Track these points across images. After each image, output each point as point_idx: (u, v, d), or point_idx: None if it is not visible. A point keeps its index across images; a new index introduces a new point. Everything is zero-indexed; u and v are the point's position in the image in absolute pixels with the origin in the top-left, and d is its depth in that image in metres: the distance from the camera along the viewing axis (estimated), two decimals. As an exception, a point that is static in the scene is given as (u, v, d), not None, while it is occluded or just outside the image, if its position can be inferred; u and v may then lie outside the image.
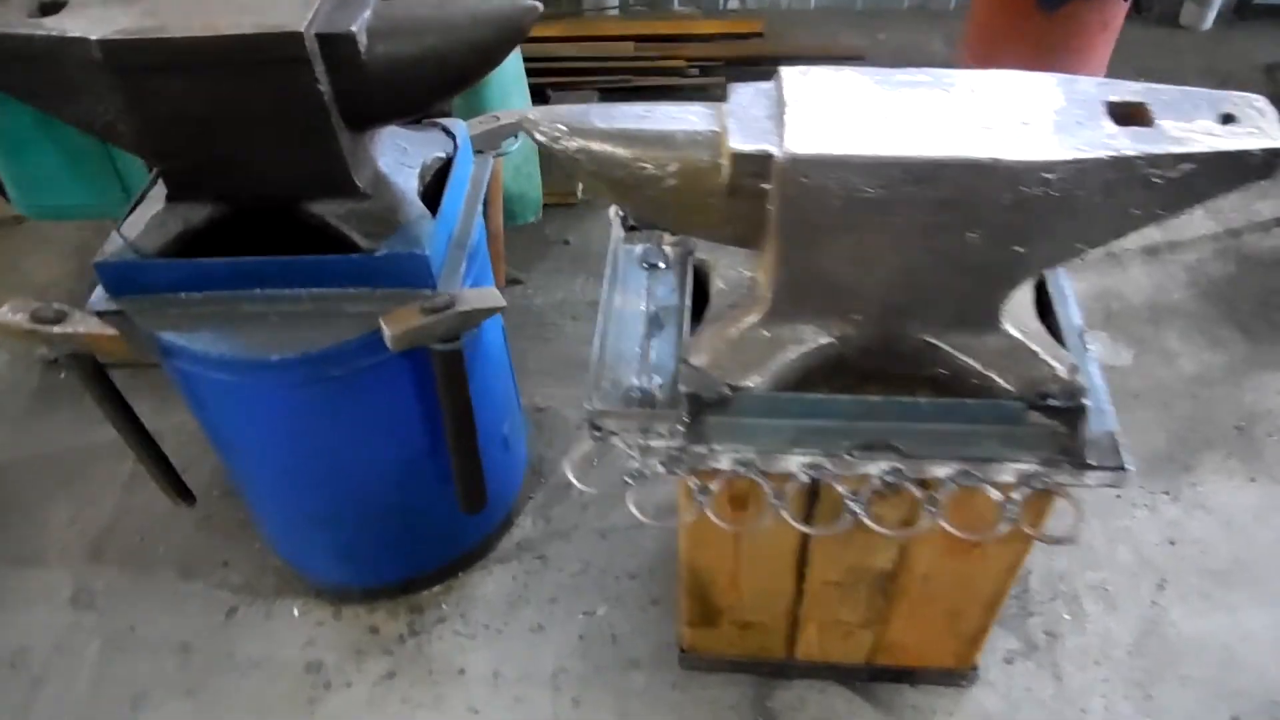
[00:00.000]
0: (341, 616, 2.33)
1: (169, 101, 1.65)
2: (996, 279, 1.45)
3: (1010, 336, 1.50)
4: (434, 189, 1.93)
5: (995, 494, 1.48)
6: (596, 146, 1.40)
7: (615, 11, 4.51)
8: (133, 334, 1.80)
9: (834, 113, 1.37)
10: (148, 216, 1.83)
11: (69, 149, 2.72)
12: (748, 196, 1.38)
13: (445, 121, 2.04)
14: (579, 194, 3.42)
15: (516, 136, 2.18)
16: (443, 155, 1.98)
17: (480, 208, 2.01)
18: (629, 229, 1.88)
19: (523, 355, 2.73)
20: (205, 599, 2.39)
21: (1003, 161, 1.28)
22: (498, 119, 2.15)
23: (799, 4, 4.61)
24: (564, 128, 1.40)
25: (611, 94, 3.96)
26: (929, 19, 4.51)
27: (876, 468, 1.50)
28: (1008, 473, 1.49)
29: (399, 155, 1.91)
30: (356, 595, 2.34)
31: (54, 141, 2.71)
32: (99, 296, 1.84)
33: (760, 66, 4.10)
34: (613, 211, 1.89)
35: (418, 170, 1.90)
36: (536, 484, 2.57)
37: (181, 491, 2.17)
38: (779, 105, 1.39)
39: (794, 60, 4.05)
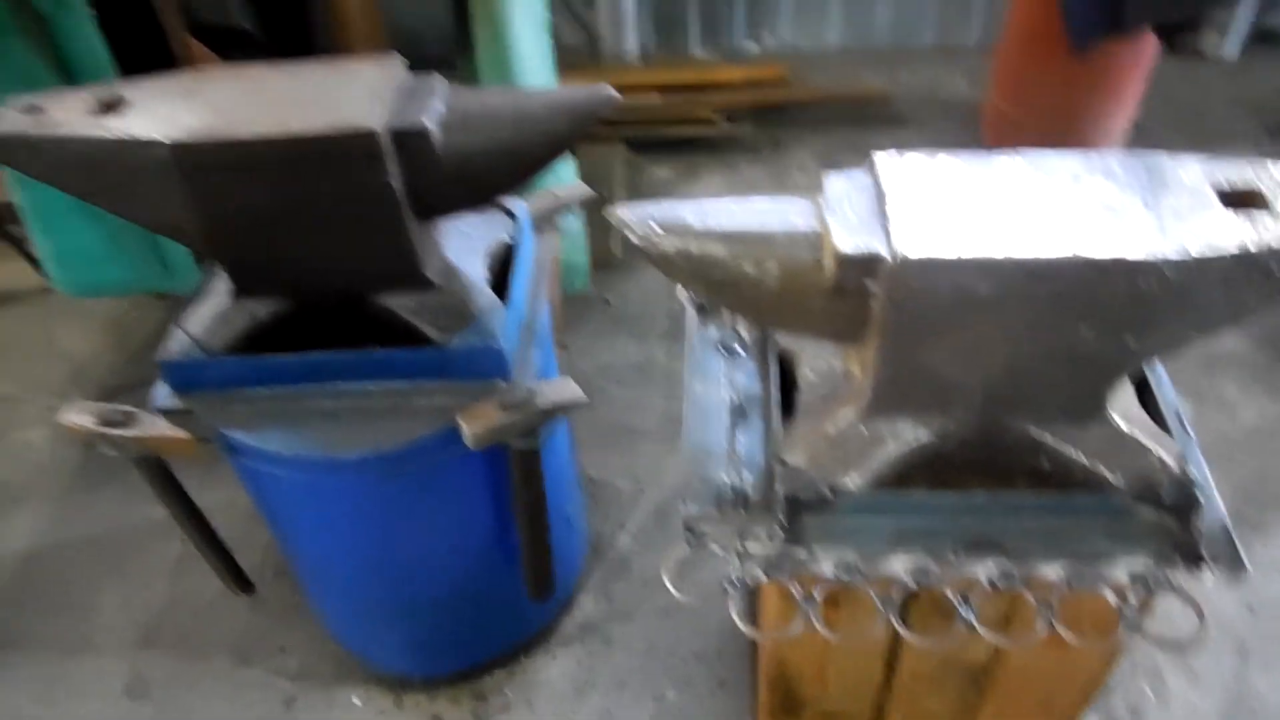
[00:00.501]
0: (403, 706, 2.27)
1: (237, 200, 1.61)
2: (1105, 371, 1.40)
3: (1115, 427, 1.45)
4: (498, 271, 1.90)
5: (1111, 596, 1.43)
6: (695, 248, 1.36)
7: (634, 59, 4.50)
8: (199, 430, 1.76)
9: (938, 206, 1.33)
10: (212, 312, 1.79)
11: (108, 226, 2.70)
12: (851, 296, 1.34)
13: (507, 203, 2.00)
14: (618, 253, 3.38)
15: (576, 212, 2.15)
16: (506, 238, 1.94)
17: (544, 289, 1.97)
18: (700, 310, 1.83)
19: (570, 423, 2.68)
20: (263, 687, 2.34)
21: (1124, 260, 1.24)
22: (555, 196, 2.12)
23: (818, 45, 4.61)
24: (659, 229, 1.36)
25: (638, 145, 3.94)
26: (950, 57, 4.51)
27: (984, 570, 1.45)
28: (1119, 571, 1.44)
29: (463, 240, 1.87)
30: (418, 683, 2.29)
31: (92, 218, 2.69)
32: (163, 394, 1.80)
33: (787, 112, 4.09)
34: (681, 293, 1.85)
35: (483, 255, 1.87)
36: (595, 561, 2.52)
37: (241, 582, 2.12)
38: (879, 199, 1.35)
39: (819, 105, 4.09)
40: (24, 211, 2.72)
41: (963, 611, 1.42)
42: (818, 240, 1.35)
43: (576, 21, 4.53)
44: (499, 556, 2.03)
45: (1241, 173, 1.37)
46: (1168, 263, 1.25)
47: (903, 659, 1.74)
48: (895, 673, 1.78)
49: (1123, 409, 1.48)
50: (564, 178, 2.53)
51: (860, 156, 4.00)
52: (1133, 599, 1.41)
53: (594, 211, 2.29)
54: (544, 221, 2.11)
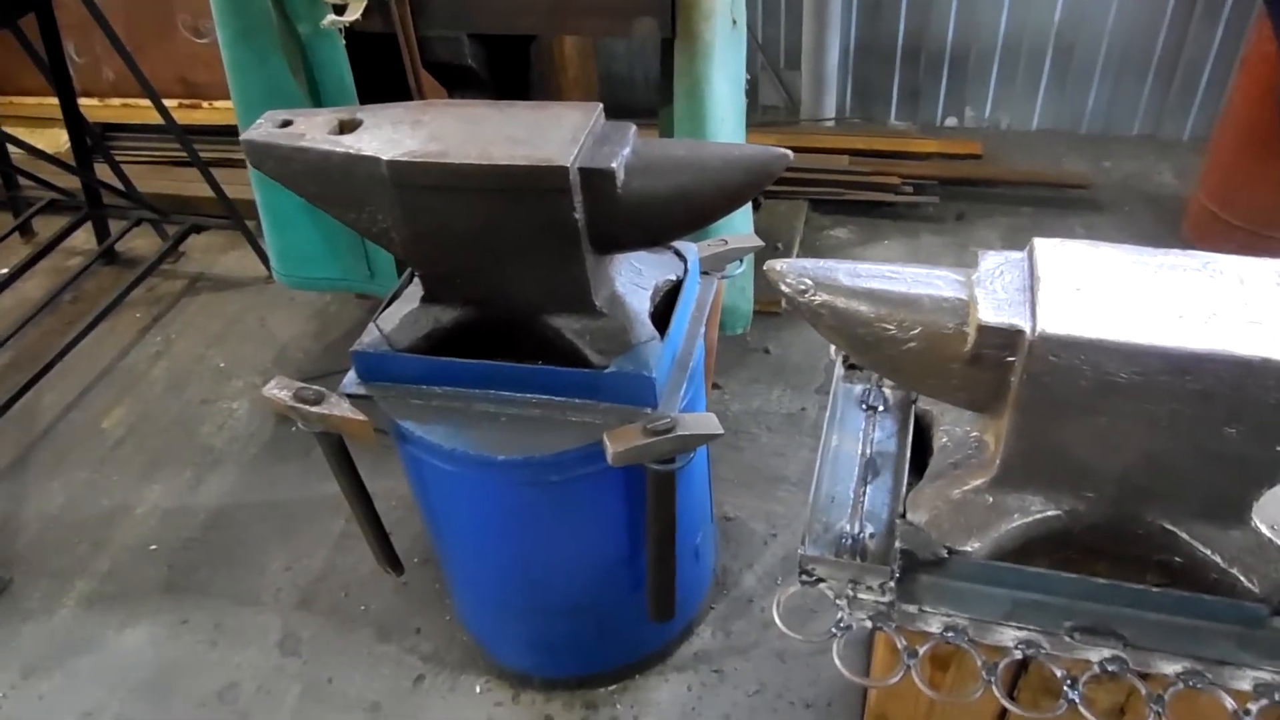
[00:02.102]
0: (519, 701, 2.40)
1: (439, 217, 1.81)
2: (1252, 475, 1.38)
3: (1259, 534, 1.42)
4: (662, 308, 2.03)
5: (1229, 702, 1.38)
6: (841, 303, 1.44)
7: (831, 123, 4.59)
8: (376, 416, 1.95)
9: (1089, 291, 1.35)
10: (402, 313, 1.99)
11: (327, 230, 3.01)
12: (990, 367, 1.38)
13: (678, 244, 2.13)
14: (782, 304, 3.46)
15: (741, 261, 2.25)
16: (673, 278, 2.07)
17: (702, 329, 2.08)
18: (849, 367, 1.89)
19: (715, 462, 2.76)
20: (397, 662, 2.52)
21: (1273, 361, 1.23)
22: (726, 243, 2.23)
23: (1019, 124, 4.56)
24: (810, 282, 1.45)
25: (822, 205, 4.02)
26: (1159, 149, 4.36)
27: (1098, 654, 1.44)
28: (1244, 680, 1.40)
29: (634, 276, 2.01)
30: (536, 683, 2.41)
31: (315, 223, 3.01)
32: (350, 380, 2.01)
33: (976, 188, 4.07)
34: (834, 349, 1.91)
35: (649, 292, 2.00)
36: (719, 594, 2.59)
37: (393, 561, 2.31)
38: (1032, 277, 1.39)
39: (1012, 185, 4.05)
40: (261, 210, 3.08)
41: (1069, 692, 1.41)
42: (963, 309, 1.40)
43: (778, 82, 4.67)
44: (626, 574, 2.13)
45: None
46: (1325, 371, 1.23)
47: (1008, 734, 1.72)
48: (998, 749, 1.76)
49: (1272, 518, 1.44)
50: (739, 227, 2.65)
51: (1047, 239, 3.90)
52: (1254, 709, 1.36)
53: (764, 261, 2.39)
54: (712, 266, 2.23)
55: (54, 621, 2.71)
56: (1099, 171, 4.20)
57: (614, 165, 1.70)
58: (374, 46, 2.72)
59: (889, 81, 4.59)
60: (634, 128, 1.82)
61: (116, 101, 4.95)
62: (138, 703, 2.49)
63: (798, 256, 3.71)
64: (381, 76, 2.77)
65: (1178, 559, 1.47)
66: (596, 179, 1.71)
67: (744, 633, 2.49)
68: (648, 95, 4.55)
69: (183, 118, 4.35)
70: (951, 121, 4.64)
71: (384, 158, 1.75)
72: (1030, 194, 4.05)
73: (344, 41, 2.60)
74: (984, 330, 1.35)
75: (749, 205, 2.87)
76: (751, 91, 4.64)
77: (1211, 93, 4.23)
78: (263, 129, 1.90)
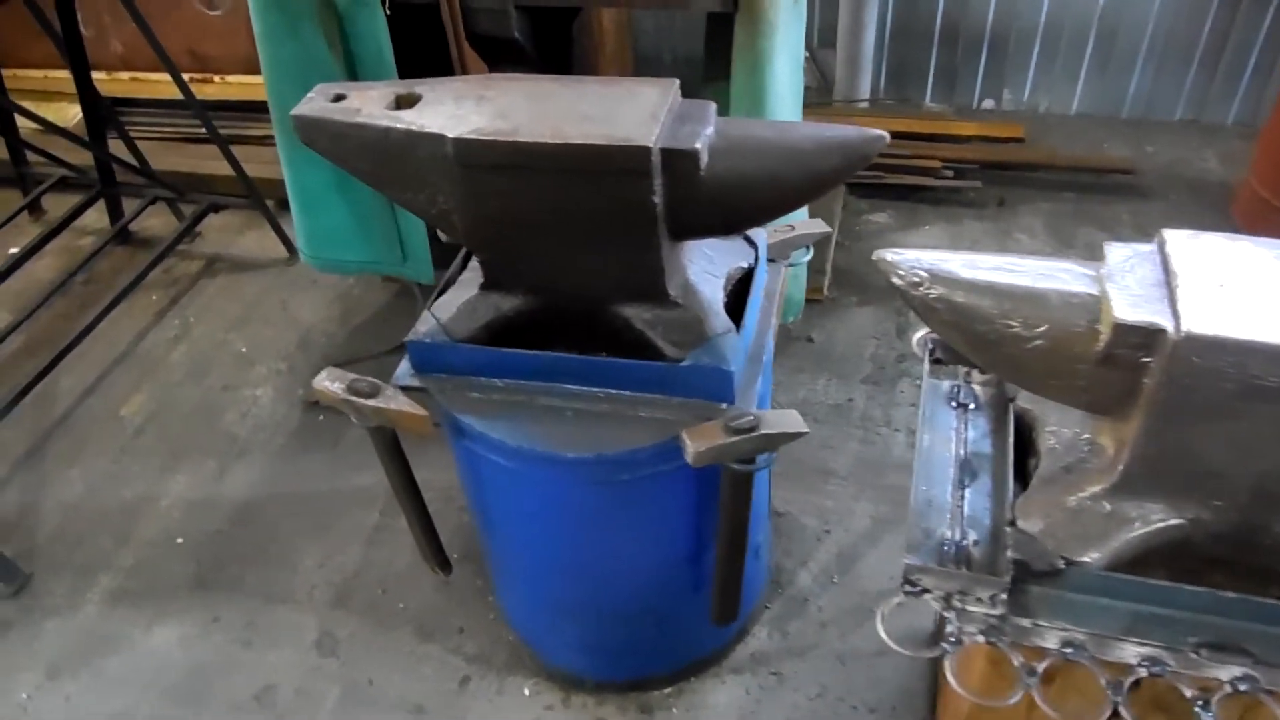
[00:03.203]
0: (570, 704, 2.32)
1: (506, 199, 1.70)
2: (1400, 486, 1.29)
3: (1401, 548, 1.34)
4: (733, 297, 1.93)
5: (1371, 726, 1.30)
6: (960, 298, 1.34)
7: (865, 104, 4.48)
8: (432, 411, 1.85)
9: (1232, 288, 1.26)
10: (460, 300, 1.89)
11: (359, 210, 2.90)
12: (1121, 368, 1.29)
13: (750, 231, 2.03)
14: (825, 291, 3.37)
15: (808, 248, 2.15)
16: (745, 265, 1.97)
17: (773, 320, 1.98)
18: (935, 362, 1.80)
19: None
20: (440, 663, 2.43)
21: None
22: (793, 229, 2.13)
23: (1059, 108, 4.45)
24: (925, 274, 1.36)
25: (860, 189, 3.92)
26: (1202, 133, 4.26)
27: (1227, 672, 1.35)
28: (1384, 702, 1.32)
29: (706, 263, 1.91)
30: (588, 685, 2.32)
31: (347, 202, 2.89)
32: (404, 371, 1.91)
33: (1020, 172, 3.97)
34: (917, 342, 1.82)
35: (722, 280, 1.90)
36: (774, 594, 2.50)
37: (442, 561, 2.21)
38: (1167, 272, 1.29)
39: (1055, 170, 3.94)
40: (290, 190, 2.96)
41: (1203, 714, 1.32)
42: (1094, 306, 1.31)
43: (813, 62, 4.55)
44: (690, 576, 2.04)
45: None
46: None
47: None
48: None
49: None
50: (799, 213, 2.54)
51: (1093, 226, 3.88)
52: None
53: (820, 248, 2.30)
54: (779, 253, 2.13)
55: (78, 619, 2.61)
56: (1142, 157, 4.10)
57: (698, 146, 1.60)
58: (414, 17, 2.61)
59: (925, 62, 4.47)
60: (714, 106, 1.71)
61: (125, 75, 4.82)
62: (170, 706, 2.39)
63: (837, 243, 3.61)
64: (421, 49, 2.66)
65: (1309, 573, 1.38)
66: (679, 160, 1.60)
67: (801, 633, 2.41)
68: (676, 72, 4.42)
69: (197, 92, 4.22)
70: (988, 104, 4.53)
71: (449, 135, 1.64)
72: (1072, 179, 3.95)
73: (387, 12, 2.48)
74: (1120, 329, 1.26)
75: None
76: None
77: (1258, 77, 4.12)
78: (315, 103, 1.79)
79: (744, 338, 1.83)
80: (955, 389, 1.75)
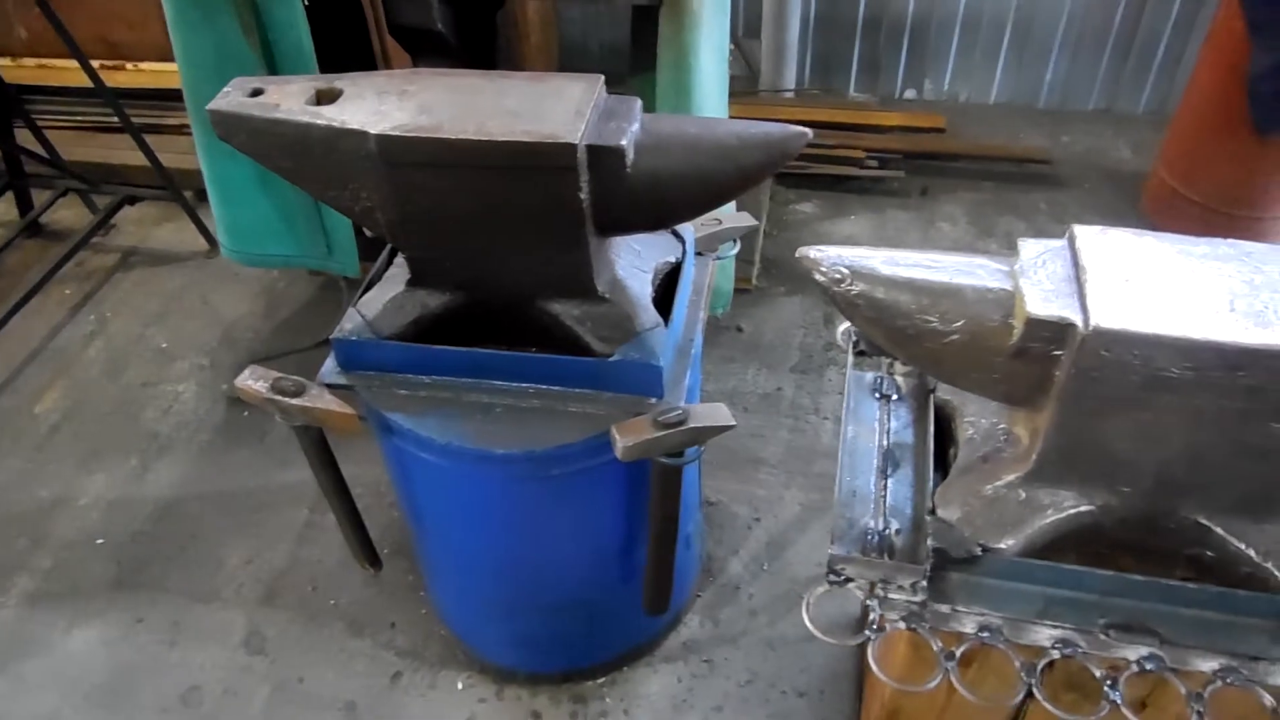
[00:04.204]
0: (504, 697, 2.32)
1: (431, 196, 1.68)
2: (1291, 469, 1.36)
3: (1294, 528, 1.41)
4: (662, 291, 1.94)
5: (1268, 699, 1.38)
6: (880, 294, 1.37)
7: (790, 94, 4.52)
8: (358, 408, 1.83)
9: (1138, 283, 1.31)
10: (386, 297, 1.87)
11: (282, 203, 2.84)
12: (1034, 361, 1.34)
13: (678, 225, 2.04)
14: (754, 281, 3.40)
15: (735, 241, 2.17)
16: (672, 260, 1.98)
17: (701, 314, 2.00)
18: (858, 354, 1.84)
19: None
20: (372, 659, 2.41)
21: (1331, 358, 1.21)
22: (720, 222, 2.15)
23: (978, 98, 4.55)
24: (846, 271, 1.38)
25: (787, 179, 3.96)
26: (1115, 123, 4.39)
27: (1134, 651, 1.41)
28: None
29: (634, 258, 1.91)
30: (521, 677, 2.33)
31: (269, 195, 2.83)
32: (330, 369, 1.88)
33: (940, 162, 4.05)
34: (841, 334, 1.85)
35: (650, 275, 1.91)
36: (705, 582, 2.53)
37: (372, 558, 2.19)
38: (1077, 268, 1.34)
39: (975, 159, 4.04)
40: (209, 182, 2.88)
41: (1111, 693, 1.38)
42: (1008, 301, 1.35)
43: (738, 52, 4.57)
44: (622, 568, 2.06)
45: None
46: (1381, 367, 1.21)
47: (1026, 727, 1.71)
48: (1015, 743, 1.75)
49: (1301, 510, 1.43)
50: (726, 207, 2.56)
51: (1013, 215, 3.99)
52: (1293, 708, 1.36)
53: (748, 241, 2.32)
54: (706, 247, 2.14)
55: (-6, 623, 2.54)
56: (1058, 146, 4.21)
57: (624, 142, 1.60)
58: (334, 7, 2.56)
59: (849, 53, 4.53)
60: (639, 102, 1.71)
61: (31, 62, 4.62)
62: (94, 709, 2.34)
63: (765, 233, 3.65)
64: (342, 41, 2.61)
65: (1209, 553, 1.45)
66: (605, 157, 1.61)
67: (732, 621, 2.45)
68: (603, 63, 4.41)
69: (109, 80, 4.07)
70: (911, 94, 4.61)
71: (372, 132, 1.62)
72: (991, 168, 4.05)
73: (305, 3, 2.42)
74: (1032, 323, 1.30)
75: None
76: (711, 60, 4.54)
77: (1166, 67, 4.27)
78: (231, 98, 1.75)
79: (672, 332, 1.85)
80: (878, 380, 1.80)
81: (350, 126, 1.65)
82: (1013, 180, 4.00)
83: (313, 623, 2.50)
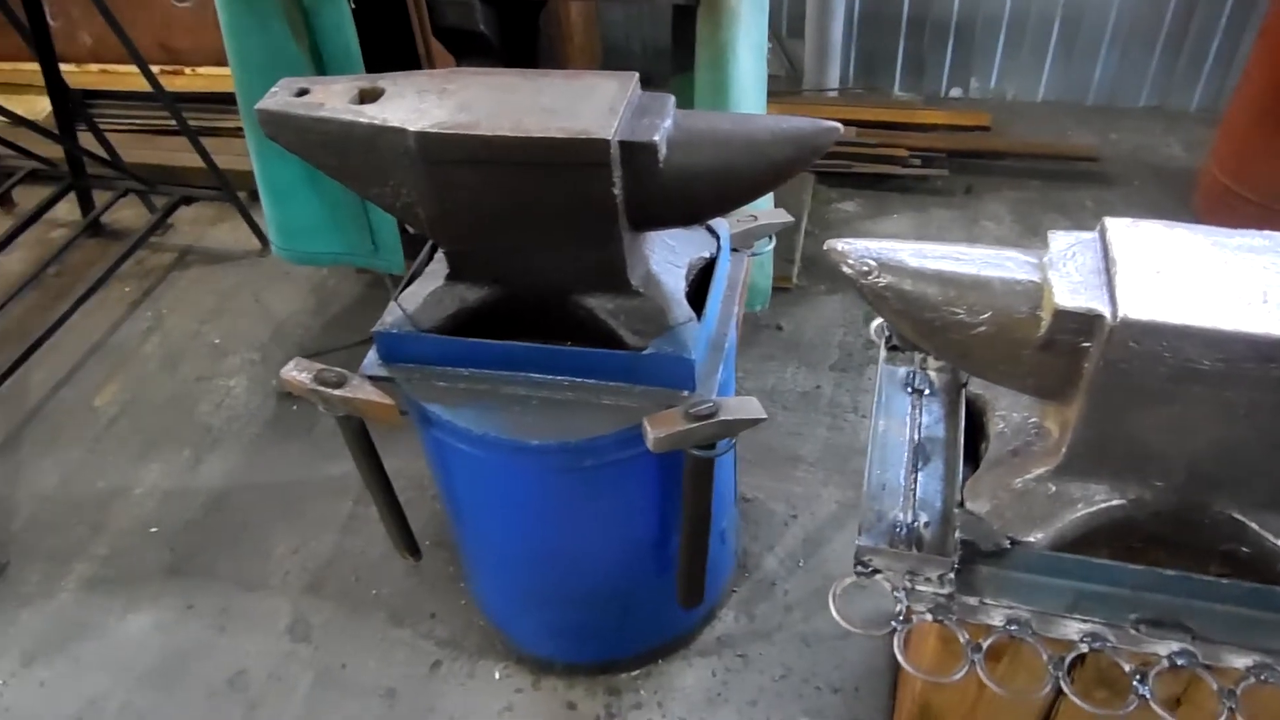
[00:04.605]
0: (540, 687, 2.36)
1: (468, 192, 1.72)
2: (1328, 466, 1.34)
3: (1330, 524, 1.39)
4: (695, 287, 1.96)
5: (1302, 696, 1.36)
6: (908, 286, 1.38)
7: (834, 94, 4.51)
8: (397, 399, 1.88)
9: (1168, 274, 1.30)
10: (426, 291, 1.92)
11: (330, 202, 2.91)
12: (1062, 353, 1.33)
13: (712, 221, 2.06)
14: (794, 280, 3.41)
15: (771, 237, 2.19)
16: (706, 255, 2.00)
17: (735, 309, 2.02)
18: (891, 349, 1.84)
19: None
20: (412, 648, 2.47)
21: (1364, 350, 1.19)
22: (756, 219, 2.16)
23: (1025, 95, 4.50)
24: (874, 263, 1.39)
25: (829, 178, 3.96)
26: (1166, 120, 4.32)
27: (1165, 647, 1.40)
28: (1315, 673, 1.37)
29: (667, 254, 1.94)
30: (557, 668, 2.37)
31: (318, 195, 2.90)
32: (371, 361, 1.93)
33: (985, 160, 4.01)
34: (874, 329, 1.86)
35: (684, 270, 1.93)
36: (741, 578, 2.55)
37: (411, 547, 2.24)
38: (1107, 260, 1.33)
39: (1023, 158, 4.00)
40: (260, 182, 2.96)
41: (1140, 687, 1.37)
42: (1036, 293, 1.35)
43: (781, 51, 4.58)
44: (656, 560, 2.08)
45: None
46: None
47: (1058, 723, 1.70)
48: (1047, 738, 1.74)
49: (1340, 507, 1.41)
50: (764, 203, 2.58)
51: (1058, 213, 3.94)
52: (1328, 706, 1.34)
53: (780, 237, 2.33)
54: (741, 242, 2.16)
55: (53, 606, 2.63)
56: (1106, 144, 4.15)
57: (656, 138, 1.63)
58: (380, 11, 2.62)
59: (894, 51, 4.51)
60: (672, 99, 1.74)
61: (94, 67, 4.79)
62: (145, 690, 2.42)
63: (806, 232, 3.65)
64: (388, 43, 2.67)
65: (1244, 549, 1.43)
66: (637, 152, 1.63)
67: (767, 616, 2.46)
68: (646, 64, 4.45)
69: (168, 85, 4.19)
70: (956, 93, 4.57)
71: (411, 129, 1.66)
72: (1037, 167, 4.00)
73: (351, 6, 2.49)
74: (1060, 315, 1.30)
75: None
76: (754, 60, 4.55)
77: (1219, 64, 4.19)
78: (278, 98, 1.81)
79: (705, 326, 1.87)
80: (911, 375, 1.79)
81: (391, 124, 1.70)
82: (1059, 179, 3.95)
83: (355, 612, 2.56)
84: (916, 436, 1.70)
